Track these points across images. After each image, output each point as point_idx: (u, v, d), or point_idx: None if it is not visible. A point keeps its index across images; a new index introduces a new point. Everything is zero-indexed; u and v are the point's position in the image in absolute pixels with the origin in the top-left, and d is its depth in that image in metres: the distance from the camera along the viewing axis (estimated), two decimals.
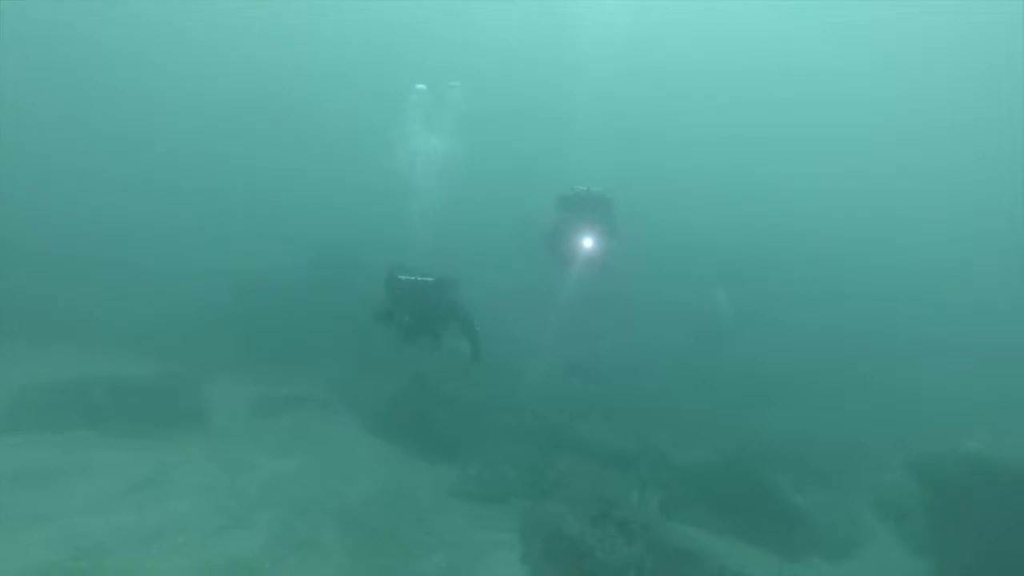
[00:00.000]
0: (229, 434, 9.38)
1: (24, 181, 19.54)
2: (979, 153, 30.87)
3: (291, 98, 31.85)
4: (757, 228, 19.07)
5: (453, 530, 7.35)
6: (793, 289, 15.14)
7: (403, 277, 6.89)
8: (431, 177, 9.90)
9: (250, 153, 27.66)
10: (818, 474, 8.66)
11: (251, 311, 12.74)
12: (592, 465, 8.12)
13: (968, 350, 13.29)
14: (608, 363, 11.01)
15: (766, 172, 30.11)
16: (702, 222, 18.75)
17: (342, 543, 6.75)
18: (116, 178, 21.98)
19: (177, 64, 31.79)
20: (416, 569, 6.52)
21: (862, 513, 8.32)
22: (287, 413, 10.44)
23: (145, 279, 14.19)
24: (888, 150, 32.06)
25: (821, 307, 14.53)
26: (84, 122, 27.07)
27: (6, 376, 9.26)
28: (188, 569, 5.79)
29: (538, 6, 31.23)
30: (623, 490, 7.10)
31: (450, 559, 6.74)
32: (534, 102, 31.75)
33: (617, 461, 8.29)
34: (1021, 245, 21.29)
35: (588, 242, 8.15)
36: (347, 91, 34.11)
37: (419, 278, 6.90)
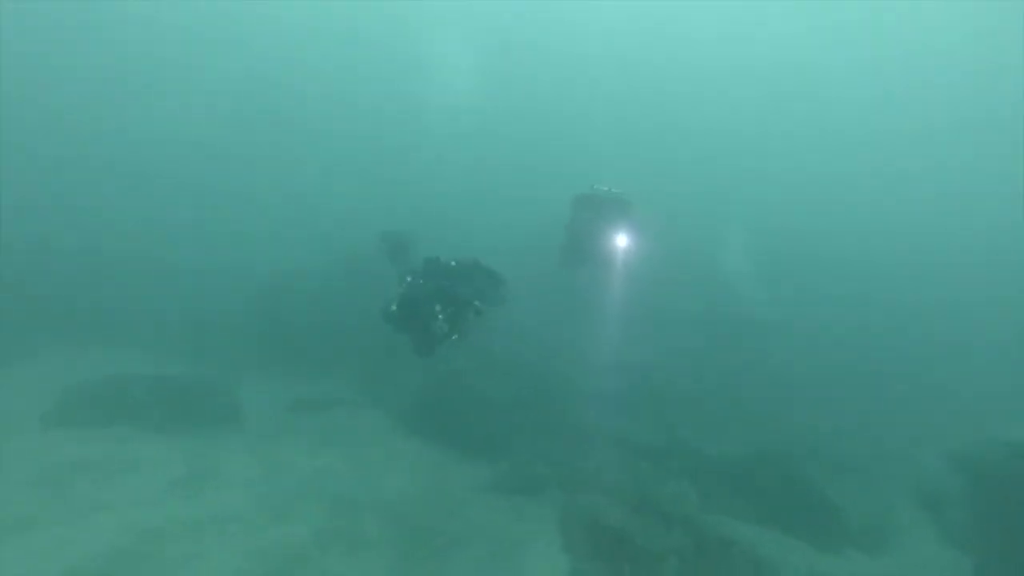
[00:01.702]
0: (265, 431, 9.59)
1: (59, 186, 19.99)
2: (1000, 147, 30.74)
3: (314, 96, 32.41)
4: (775, 228, 19.14)
5: (491, 523, 7.49)
6: (818, 288, 15.18)
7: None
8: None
9: (277, 152, 28.13)
10: (851, 467, 8.72)
11: (280, 311, 12.96)
12: (626, 458, 8.24)
13: (1002, 344, 13.29)
14: (634, 360, 11.10)
15: (785, 171, 30.15)
16: (721, 221, 18.83)
17: (384, 535, 6.92)
18: (148, 180, 22.41)
19: (201, 62, 32.35)
20: (457, 559, 6.67)
21: (899, 505, 8.36)
22: (319, 411, 10.67)
23: (178, 280, 14.46)
24: (910, 147, 32.03)
25: (847, 305, 14.56)
26: (111, 124, 27.58)
27: (54, 376, 9.56)
28: (243, 556, 5.98)
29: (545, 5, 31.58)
30: (659, 481, 7.20)
31: (490, 550, 6.88)
32: (548, 101, 32.10)
33: (650, 454, 8.40)
34: None
35: (608, 243, 8.07)
36: (368, 88, 34.59)
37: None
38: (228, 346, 12.08)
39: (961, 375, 11.93)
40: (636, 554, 6.27)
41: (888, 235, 21.58)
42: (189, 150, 26.20)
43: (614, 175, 9.20)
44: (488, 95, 32.17)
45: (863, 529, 7.84)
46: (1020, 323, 14.25)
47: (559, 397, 10.41)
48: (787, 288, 14.43)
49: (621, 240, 8.17)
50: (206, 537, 6.20)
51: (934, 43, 31.50)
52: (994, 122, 31.41)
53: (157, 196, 20.94)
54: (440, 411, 10.18)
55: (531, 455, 8.99)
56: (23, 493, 6.49)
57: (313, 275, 13.84)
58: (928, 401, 10.94)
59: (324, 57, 35.38)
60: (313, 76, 34.23)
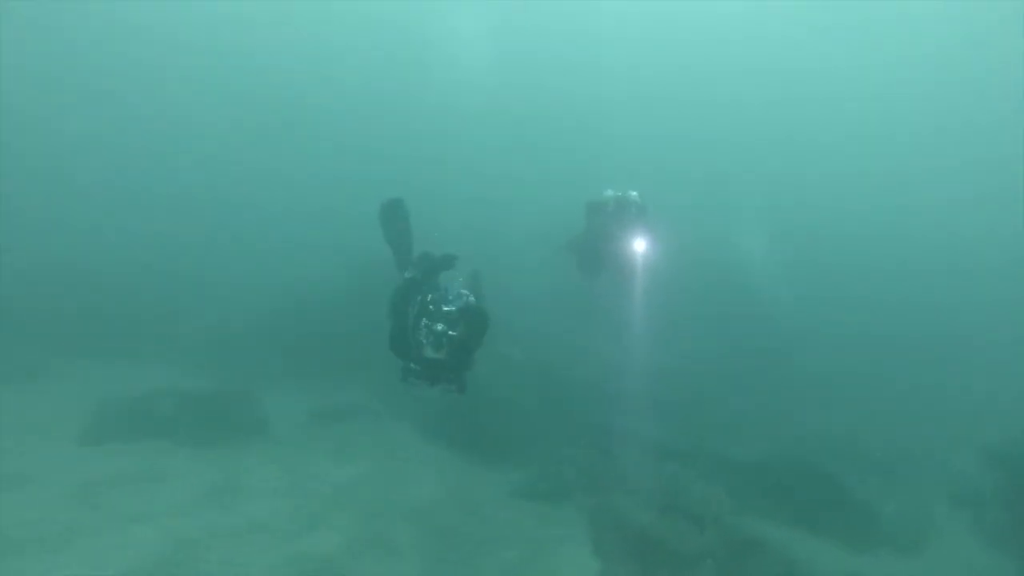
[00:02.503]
0: (291, 442, 9.69)
1: (86, 206, 20.47)
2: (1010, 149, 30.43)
3: (328, 105, 32.88)
4: (793, 230, 19.06)
5: (520, 528, 7.52)
6: (843, 289, 15.11)
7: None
8: None
9: (293, 165, 28.59)
10: (882, 467, 8.63)
11: (301, 323, 13.12)
12: (653, 461, 8.23)
13: None
14: (657, 364, 11.09)
15: (802, 173, 30.06)
16: (738, 223, 18.80)
17: (415, 542, 6.97)
18: (171, 197, 22.87)
19: (220, 77, 33.01)
20: (488, 564, 6.69)
21: (933, 505, 8.25)
22: (344, 421, 10.77)
23: (200, 296, 14.71)
24: (929, 146, 31.84)
25: (871, 306, 14.46)
26: (132, 142, 28.23)
27: (86, 392, 9.74)
28: (279, 563, 6.06)
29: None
30: (687, 483, 7.19)
31: (521, 554, 6.90)
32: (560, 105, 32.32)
33: (677, 457, 8.38)
34: None
35: (622, 249, 7.85)
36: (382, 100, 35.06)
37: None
38: (252, 360, 12.20)
39: (990, 373, 11.78)
40: (669, 557, 6.26)
41: (911, 234, 21.40)
42: (207, 164, 26.73)
43: (627, 178, 9.18)
44: (499, 100, 32.55)
45: (897, 529, 7.76)
46: None
47: (583, 402, 10.44)
48: (811, 290, 14.38)
49: (638, 244, 7.95)
50: (242, 545, 6.29)
51: (944, 40, 31.31)
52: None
53: (180, 212, 21.33)
54: (463, 418, 10.22)
55: (557, 460, 9.00)
56: (63, 507, 6.61)
57: (332, 286, 14.01)
58: (958, 400, 10.81)
59: (339, 66, 35.92)
60: (327, 86, 34.78)
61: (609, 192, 8.23)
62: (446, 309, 4.89)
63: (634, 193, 8.18)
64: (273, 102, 32.39)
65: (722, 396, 10.83)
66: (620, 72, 33.79)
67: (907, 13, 30.12)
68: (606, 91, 34.06)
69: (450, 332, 4.79)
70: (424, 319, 4.92)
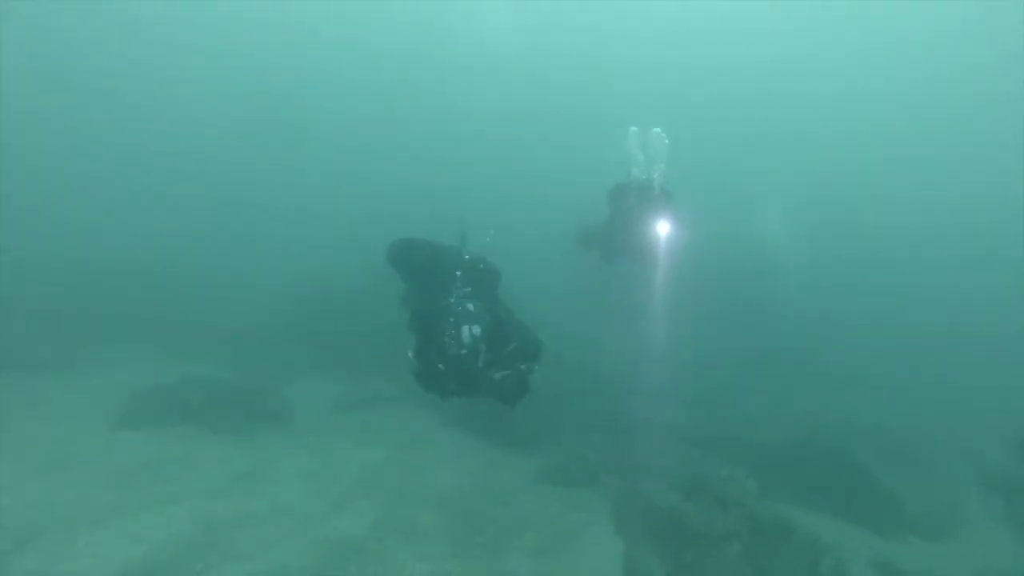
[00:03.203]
0: (316, 430, 9.85)
1: (113, 204, 21.07)
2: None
3: (339, 102, 33.16)
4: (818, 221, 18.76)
5: (544, 512, 7.54)
6: (869, 279, 14.84)
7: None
8: None
9: (309, 163, 28.99)
10: (909, 454, 8.47)
11: (323, 315, 13.32)
12: (676, 447, 8.19)
13: None
14: (680, 353, 11.01)
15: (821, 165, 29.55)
16: (761, 212, 18.54)
17: (440, 525, 7.03)
18: (194, 198, 23.43)
19: (239, 78, 33.55)
20: (512, 547, 6.73)
21: (960, 491, 8.08)
22: (366, 410, 10.91)
23: (224, 292, 15.03)
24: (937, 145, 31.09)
25: (897, 296, 14.19)
26: (151, 145, 28.94)
27: (118, 383, 10.03)
28: (306, 545, 6.17)
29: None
30: (712, 467, 7.13)
31: (544, 537, 6.93)
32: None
33: (701, 444, 8.33)
34: None
35: (648, 233, 7.71)
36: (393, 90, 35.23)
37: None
38: (277, 352, 12.46)
39: (1017, 362, 11.49)
40: (694, 539, 6.23)
41: (940, 225, 20.90)
42: (229, 163, 27.25)
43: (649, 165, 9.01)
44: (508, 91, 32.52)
45: (924, 515, 7.63)
46: None
47: (604, 391, 10.41)
48: (837, 279, 14.15)
49: (662, 229, 7.83)
50: (269, 527, 6.41)
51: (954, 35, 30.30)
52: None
53: (207, 211, 21.82)
54: (485, 407, 10.26)
55: (580, 447, 9.00)
56: (97, 489, 6.82)
57: (353, 280, 14.18)
58: (988, 389, 10.56)
59: (347, 63, 36.18)
60: (335, 84, 35.09)
61: (632, 175, 8.14)
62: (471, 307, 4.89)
63: (657, 176, 8.09)
64: (293, 100, 32.84)
65: (747, 385, 10.71)
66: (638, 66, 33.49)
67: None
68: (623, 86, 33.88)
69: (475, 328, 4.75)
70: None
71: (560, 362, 11.01)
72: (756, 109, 34.47)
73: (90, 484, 6.94)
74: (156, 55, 32.83)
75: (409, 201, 21.66)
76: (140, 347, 12.20)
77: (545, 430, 9.67)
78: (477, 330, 4.76)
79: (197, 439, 8.81)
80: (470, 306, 4.91)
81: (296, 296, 14.26)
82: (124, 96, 31.71)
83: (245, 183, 26.17)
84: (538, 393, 10.55)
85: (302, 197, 25.12)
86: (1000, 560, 7.06)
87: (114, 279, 14.52)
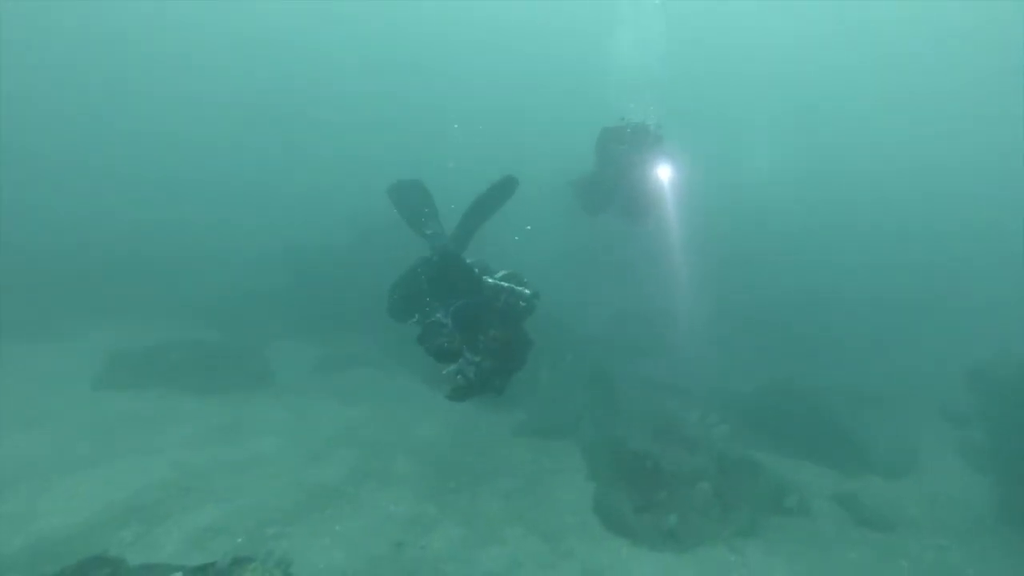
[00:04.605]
0: (296, 388, 9.95)
1: (100, 186, 20.93)
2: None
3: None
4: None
5: (518, 460, 7.71)
6: (834, 226, 15.03)
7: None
8: None
9: (295, 141, 28.79)
10: (874, 397, 8.69)
11: (306, 282, 13.33)
12: (649, 394, 8.35)
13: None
14: (655, 307, 11.16)
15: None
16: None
17: (415, 472, 7.18)
18: (173, 173, 23.36)
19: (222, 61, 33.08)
20: (485, 492, 6.88)
21: (921, 431, 8.35)
22: (347, 371, 11.03)
23: (208, 259, 14.99)
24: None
25: (860, 237, 14.38)
26: (147, 126, 28.78)
27: (99, 344, 10.07)
28: (281, 489, 6.29)
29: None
30: (682, 410, 7.31)
31: (516, 483, 7.10)
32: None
33: (674, 390, 8.50)
34: None
35: (638, 180, 7.41)
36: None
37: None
38: (257, 316, 12.49)
39: (976, 298, 11.78)
40: (664, 479, 6.40)
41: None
42: (213, 139, 27.03)
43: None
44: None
45: (885, 456, 7.86)
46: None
47: (581, 346, 10.53)
48: (807, 227, 14.31)
49: (662, 174, 7.51)
50: (247, 474, 6.53)
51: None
52: None
53: (189, 184, 21.68)
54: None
55: (557, 401, 9.15)
56: (81, 439, 6.91)
57: (334, 244, 14.16)
58: (946, 327, 10.84)
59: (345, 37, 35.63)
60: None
61: (624, 119, 7.74)
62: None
63: (652, 121, 7.71)
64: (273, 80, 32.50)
65: (726, 340, 10.88)
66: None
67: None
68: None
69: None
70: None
71: (543, 319, 11.19)
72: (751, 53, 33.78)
73: (68, 438, 7.01)
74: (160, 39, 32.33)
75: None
76: (122, 314, 12.18)
77: (526, 389, 9.79)
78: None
79: (177, 397, 8.86)
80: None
81: (278, 262, 14.25)
82: (114, 80, 31.27)
83: (228, 158, 26.02)
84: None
85: (290, 169, 25.14)
86: (950, 488, 7.35)
87: (97, 252, 14.44)
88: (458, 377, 4.80)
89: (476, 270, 4.99)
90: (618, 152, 7.57)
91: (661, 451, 6.66)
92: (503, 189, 5.29)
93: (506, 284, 4.84)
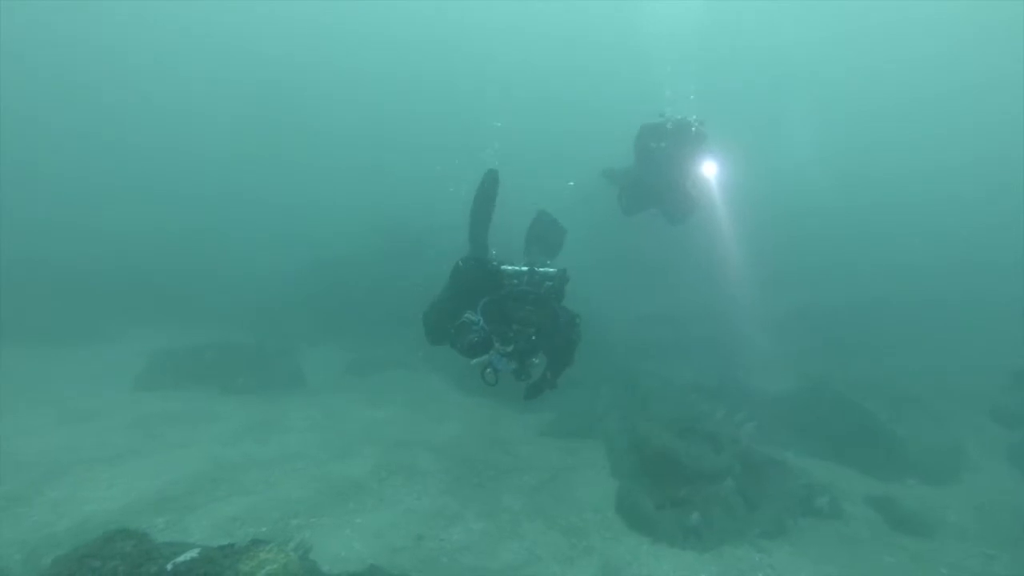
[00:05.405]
0: (326, 390, 10.22)
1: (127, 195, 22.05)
2: None
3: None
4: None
5: (542, 458, 7.70)
6: (869, 226, 14.56)
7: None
8: None
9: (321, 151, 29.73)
10: (912, 399, 8.32)
11: (338, 287, 13.68)
12: (675, 393, 8.22)
13: None
14: (684, 309, 11.00)
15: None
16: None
17: (438, 467, 7.24)
18: (216, 181, 24.46)
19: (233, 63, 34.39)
20: (506, 487, 6.89)
21: (966, 436, 7.94)
22: (376, 373, 11.25)
23: (241, 266, 15.57)
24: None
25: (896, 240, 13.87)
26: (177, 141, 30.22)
27: (141, 347, 10.57)
28: (307, 484, 6.44)
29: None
30: (708, 409, 7.17)
31: (540, 478, 7.09)
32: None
33: (701, 390, 8.35)
34: None
35: (679, 177, 7.11)
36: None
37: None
38: (291, 321, 12.89)
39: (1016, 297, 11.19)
40: (687, 476, 6.29)
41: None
42: (240, 140, 28.14)
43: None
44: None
45: (928, 458, 7.52)
46: None
47: (611, 349, 10.44)
48: (844, 226, 13.89)
49: (708, 170, 7.21)
50: (275, 469, 6.71)
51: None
52: None
53: (223, 198, 22.63)
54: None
55: (584, 402, 9.09)
56: (119, 435, 7.27)
57: (367, 249, 14.50)
58: (991, 327, 10.31)
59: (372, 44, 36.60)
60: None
61: (665, 114, 7.44)
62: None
63: (694, 117, 7.40)
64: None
65: (753, 335, 10.63)
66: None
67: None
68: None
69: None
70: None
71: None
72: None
73: (111, 433, 7.39)
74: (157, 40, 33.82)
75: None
76: (162, 321, 12.77)
77: (557, 393, 9.78)
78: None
79: (211, 398, 9.24)
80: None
81: (312, 268, 14.67)
82: (139, 91, 32.96)
83: (263, 169, 27.07)
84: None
85: (322, 179, 26.00)
86: (998, 494, 6.94)
87: (137, 259, 15.20)
88: (488, 371, 4.85)
89: (496, 264, 5.11)
90: (658, 150, 7.30)
91: (685, 449, 6.53)
92: (489, 184, 5.39)
93: (525, 268, 4.95)
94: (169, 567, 2.92)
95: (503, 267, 5.05)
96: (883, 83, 32.07)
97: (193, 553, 3.12)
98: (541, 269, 5.00)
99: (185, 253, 16.25)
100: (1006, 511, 6.64)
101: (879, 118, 32.14)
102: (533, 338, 4.87)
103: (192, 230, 18.79)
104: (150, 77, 34.16)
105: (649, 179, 7.52)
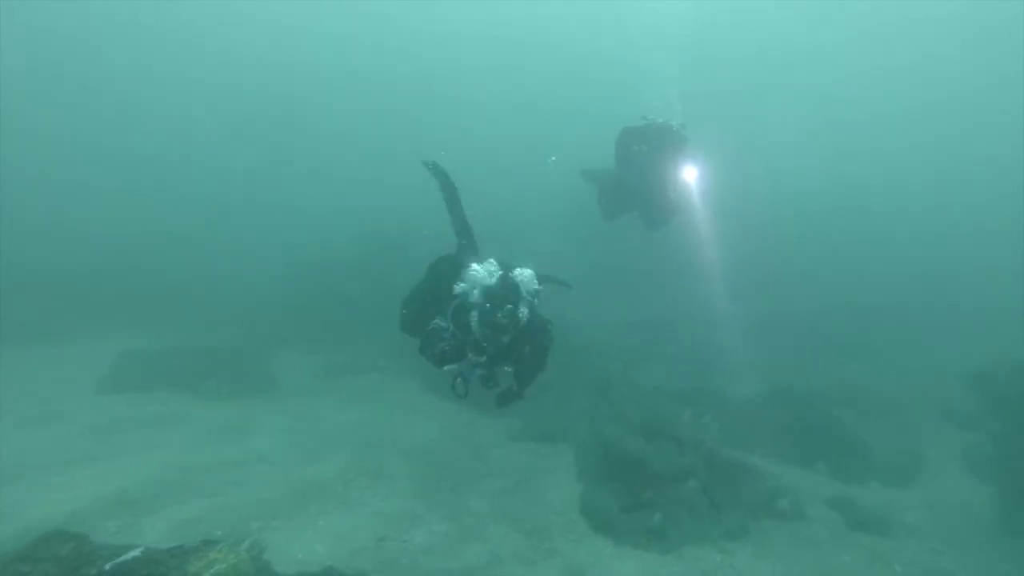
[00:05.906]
0: (299, 393, 10.11)
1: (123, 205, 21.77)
2: None
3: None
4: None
5: (511, 462, 7.70)
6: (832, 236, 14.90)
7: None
8: None
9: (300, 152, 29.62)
10: (876, 406, 8.51)
11: (312, 290, 13.57)
12: (645, 397, 8.29)
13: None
14: (657, 315, 11.10)
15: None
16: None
17: (407, 471, 7.20)
18: (185, 190, 24.19)
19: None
20: (474, 491, 6.87)
21: (923, 438, 8.13)
22: (349, 376, 11.17)
23: (214, 268, 15.37)
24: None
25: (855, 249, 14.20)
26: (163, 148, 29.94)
27: (108, 349, 10.36)
28: (272, 486, 6.36)
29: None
30: (675, 412, 7.24)
31: (508, 481, 7.08)
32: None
33: (670, 395, 8.43)
34: None
35: (659, 182, 7.06)
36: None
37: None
38: (262, 323, 12.74)
39: (979, 302, 11.52)
40: (652, 478, 6.34)
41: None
42: (225, 148, 27.88)
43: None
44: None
45: (887, 460, 7.69)
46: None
47: (583, 354, 10.49)
48: (807, 239, 14.16)
49: (689, 175, 7.18)
50: (242, 471, 6.63)
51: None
52: None
53: (199, 201, 22.37)
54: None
55: (555, 406, 9.11)
56: (83, 438, 7.13)
57: (340, 252, 14.40)
58: (949, 331, 10.60)
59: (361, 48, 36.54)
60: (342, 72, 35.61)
61: (646, 118, 7.36)
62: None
63: (676, 122, 7.32)
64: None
65: (724, 343, 10.77)
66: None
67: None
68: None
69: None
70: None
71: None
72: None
73: (71, 436, 7.24)
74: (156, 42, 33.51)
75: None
76: (132, 322, 12.54)
77: (532, 399, 9.79)
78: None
79: (181, 401, 9.09)
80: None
81: (291, 272, 14.54)
82: (123, 93, 32.52)
83: (246, 174, 26.84)
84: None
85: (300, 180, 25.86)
86: (952, 495, 7.12)
87: (105, 260, 14.93)
88: (458, 381, 4.57)
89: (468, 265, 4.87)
90: (639, 154, 7.22)
91: (651, 451, 6.59)
92: (439, 177, 5.10)
93: (497, 271, 4.61)
94: (108, 567, 2.86)
95: (472, 270, 4.80)
96: (877, 86, 32.56)
97: (135, 552, 3.07)
98: (515, 271, 4.69)
99: (168, 257, 16.01)
100: (958, 511, 6.82)
101: (866, 123, 32.60)
102: (504, 344, 4.47)
103: (176, 234, 18.57)
104: (135, 81, 33.69)
105: (630, 182, 7.48)
